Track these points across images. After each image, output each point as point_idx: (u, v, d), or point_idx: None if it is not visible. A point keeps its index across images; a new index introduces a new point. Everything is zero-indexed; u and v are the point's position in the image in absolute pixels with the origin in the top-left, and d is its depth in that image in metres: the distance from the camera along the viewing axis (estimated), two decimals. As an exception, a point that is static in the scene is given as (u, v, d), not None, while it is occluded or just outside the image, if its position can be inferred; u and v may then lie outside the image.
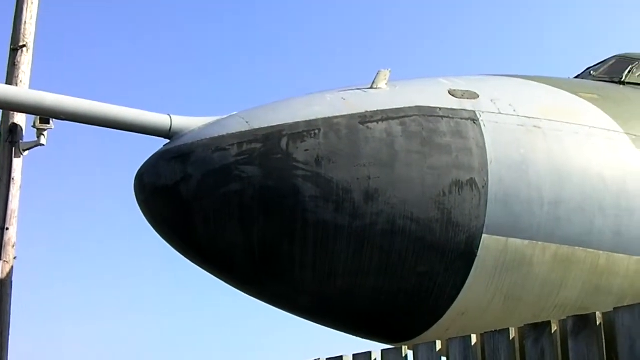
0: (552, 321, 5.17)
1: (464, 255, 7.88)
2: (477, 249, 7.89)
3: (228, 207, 7.48)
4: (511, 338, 5.30)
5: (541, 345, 5.13)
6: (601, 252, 8.48)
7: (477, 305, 8.12)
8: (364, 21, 38.09)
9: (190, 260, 8.00)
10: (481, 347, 5.44)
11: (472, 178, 7.87)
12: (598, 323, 4.95)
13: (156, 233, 7.94)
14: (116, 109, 7.74)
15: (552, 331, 5.11)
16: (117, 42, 34.18)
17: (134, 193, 7.81)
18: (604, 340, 4.94)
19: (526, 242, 8.10)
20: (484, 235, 7.89)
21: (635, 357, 4.75)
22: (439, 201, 7.73)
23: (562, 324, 5.11)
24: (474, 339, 5.47)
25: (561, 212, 8.24)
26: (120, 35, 34.59)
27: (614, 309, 4.92)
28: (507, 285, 8.14)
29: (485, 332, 5.42)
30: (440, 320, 8.10)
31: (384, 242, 7.64)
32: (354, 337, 8.80)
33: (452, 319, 8.08)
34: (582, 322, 4.99)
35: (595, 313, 4.99)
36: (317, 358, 6.51)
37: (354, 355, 6.19)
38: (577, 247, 8.33)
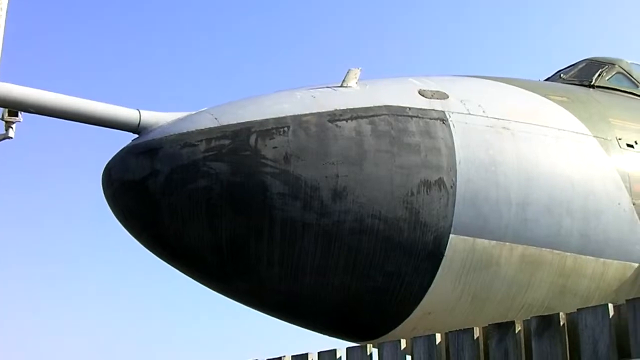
0: (516, 321, 5.20)
1: (431, 255, 7.89)
2: (445, 249, 7.90)
3: (196, 203, 7.44)
4: (475, 337, 5.32)
5: (505, 345, 5.15)
6: (568, 253, 8.52)
7: (444, 305, 8.14)
8: (332, 18, 38.12)
9: (157, 255, 7.96)
10: (446, 346, 5.46)
11: (440, 178, 7.88)
12: (561, 323, 4.98)
13: (123, 228, 7.89)
14: (85, 103, 7.66)
15: (516, 331, 5.14)
16: (93, 38, 34.08)
17: (101, 187, 7.76)
18: (567, 341, 4.98)
19: (493, 242, 8.12)
20: (451, 236, 7.90)
21: (597, 357, 4.78)
22: (407, 201, 7.74)
23: (526, 324, 5.14)
24: (438, 337, 5.49)
25: (529, 214, 8.28)
26: (93, 29, 34.46)
27: (577, 310, 4.95)
28: (474, 285, 8.17)
29: (450, 332, 5.44)
30: (407, 320, 8.11)
31: (351, 240, 7.63)
32: (321, 335, 8.80)
33: (419, 319, 8.09)
34: (546, 323, 5.02)
35: (558, 314, 5.02)
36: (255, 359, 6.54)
37: (319, 353, 6.19)
38: (544, 249, 8.37)
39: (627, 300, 4.78)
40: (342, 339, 8.66)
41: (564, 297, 8.57)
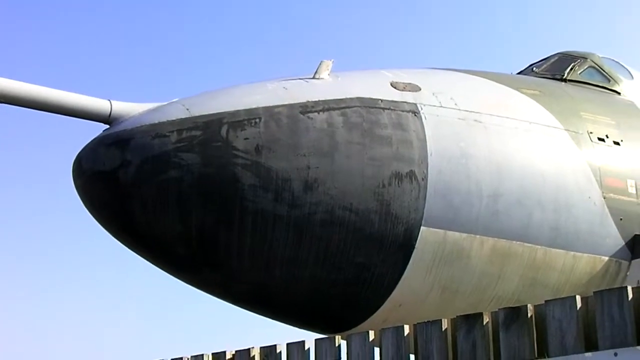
0: (484, 313, 5.21)
1: (402, 247, 7.89)
2: (415, 241, 7.91)
3: (166, 194, 7.41)
4: (443, 329, 5.32)
5: (473, 337, 5.17)
6: (538, 246, 8.56)
7: (414, 297, 8.15)
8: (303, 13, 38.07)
9: (127, 246, 7.91)
10: (414, 337, 5.46)
11: (411, 170, 7.88)
12: (529, 315, 5.00)
13: (93, 218, 7.85)
14: (55, 93, 7.60)
15: (484, 323, 5.15)
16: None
17: (71, 177, 7.71)
18: (534, 333, 4.99)
19: (464, 235, 8.14)
20: (422, 228, 7.91)
21: (564, 349, 4.81)
22: (378, 192, 7.74)
23: (494, 315, 5.15)
24: (406, 329, 5.49)
25: (500, 206, 8.30)
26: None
27: (545, 301, 4.98)
28: (445, 277, 8.19)
29: (418, 323, 5.45)
30: (377, 312, 8.11)
31: (322, 232, 7.62)
32: (291, 327, 8.80)
33: (390, 311, 8.09)
34: (514, 314, 5.04)
35: (526, 305, 5.04)
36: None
37: (287, 344, 6.18)
38: (514, 241, 8.40)
39: (594, 292, 4.81)
40: (313, 331, 8.66)
41: (535, 289, 8.60)
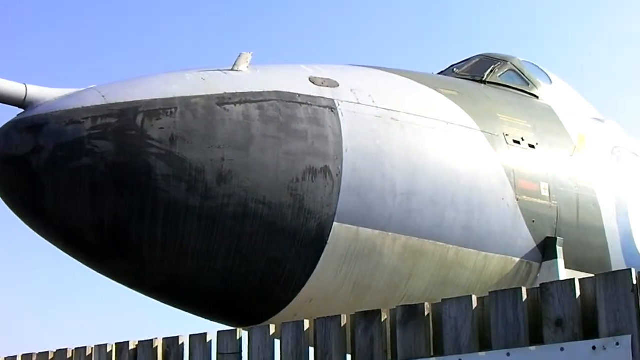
0: (382, 310, 5.25)
1: (314, 242, 7.92)
2: (328, 237, 7.94)
3: (78, 181, 7.35)
4: (343, 325, 5.36)
5: (371, 333, 5.20)
6: (450, 245, 8.66)
7: (325, 292, 8.19)
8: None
9: (38, 233, 7.83)
10: (314, 332, 5.49)
11: (326, 166, 7.91)
12: (426, 313, 5.04)
13: (4, 203, 7.76)
14: None
15: (382, 320, 5.19)
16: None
17: (-18, 162, 7.61)
18: (431, 331, 5.04)
19: (377, 232, 8.20)
20: (335, 224, 7.95)
21: (459, 348, 4.87)
22: (292, 187, 7.76)
23: (392, 313, 5.19)
24: (306, 324, 5.51)
25: (413, 204, 8.38)
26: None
27: (442, 300, 5.02)
28: (356, 273, 8.23)
29: (318, 318, 5.47)
30: (288, 306, 8.14)
31: (234, 225, 7.62)
32: (198, 318, 8.79)
33: (300, 305, 8.12)
34: (411, 312, 5.08)
35: (424, 303, 5.08)
36: None
37: (190, 336, 6.18)
38: (426, 240, 8.48)
39: (489, 293, 4.87)
40: (225, 323, 8.64)
41: (446, 288, 8.68)
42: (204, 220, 7.56)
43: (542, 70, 11.72)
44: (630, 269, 4.39)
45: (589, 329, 4.46)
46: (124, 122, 7.39)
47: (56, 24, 35.69)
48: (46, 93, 7.65)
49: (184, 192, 7.45)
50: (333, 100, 8.27)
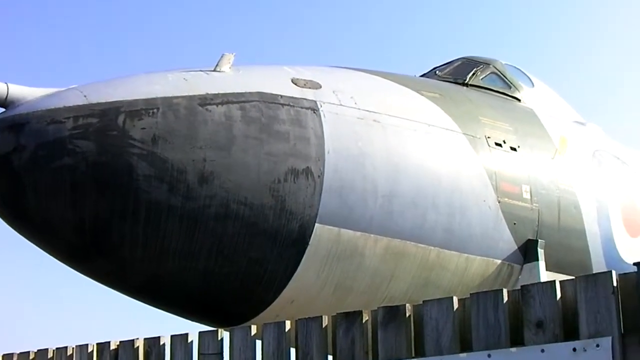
0: (363, 311, 5.25)
1: (295, 243, 7.93)
2: (309, 238, 7.95)
3: (60, 181, 7.33)
4: (324, 326, 5.36)
5: (352, 334, 5.20)
6: (432, 247, 8.68)
7: (307, 293, 8.19)
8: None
9: (19, 232, 7.81)
10: (295, 333, 5.49)
11: (308, 167, 7.92)
12: (407, 315, 5.05)
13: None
14: None
15: (363, 321, 5.19)
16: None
17: (-36, 161, 7.57)
18: (412, 332, 5.05)
19: (358, 233, 8.21)
20: (316, 225, 7.95)
21: (440, 349, 4.87)
22: (274, 188, 7.76)
23: (374, 314, 5.19)
24: (288, 325, 5.51)
25: (395, 206, 8.39)
26: None
27: (423, 301, 5.02)
28: (338, 275, 8.24)
29: (299, 319, 5.47)
30: (270, 307, 8.14)
31: (216, 225, 7.62)
32: (179, 319, 8.78)
33: (282, 306, 8.12)
34: (392, 313, 5.08)
35: (405, 305, 5.08)
36: None
37: (171, 336, 6.17)
38: (408, 242, 8.50)
39: (470, 294, 4.87)
40: (206, 324, 8.63)
41: (427, 290, 8.70)
42: (186, 221, 7.55)
43: (524, 73, 11.76)
44: (610, 271, 4.41)
45: (569, 331, 4.47)
46: (106, 122, 7.38)
47: (38, 23, 35.49)
48: (28, 92, 7.63)
49: (166, 192, 7.44)
50: (315, 101, 8.28)
